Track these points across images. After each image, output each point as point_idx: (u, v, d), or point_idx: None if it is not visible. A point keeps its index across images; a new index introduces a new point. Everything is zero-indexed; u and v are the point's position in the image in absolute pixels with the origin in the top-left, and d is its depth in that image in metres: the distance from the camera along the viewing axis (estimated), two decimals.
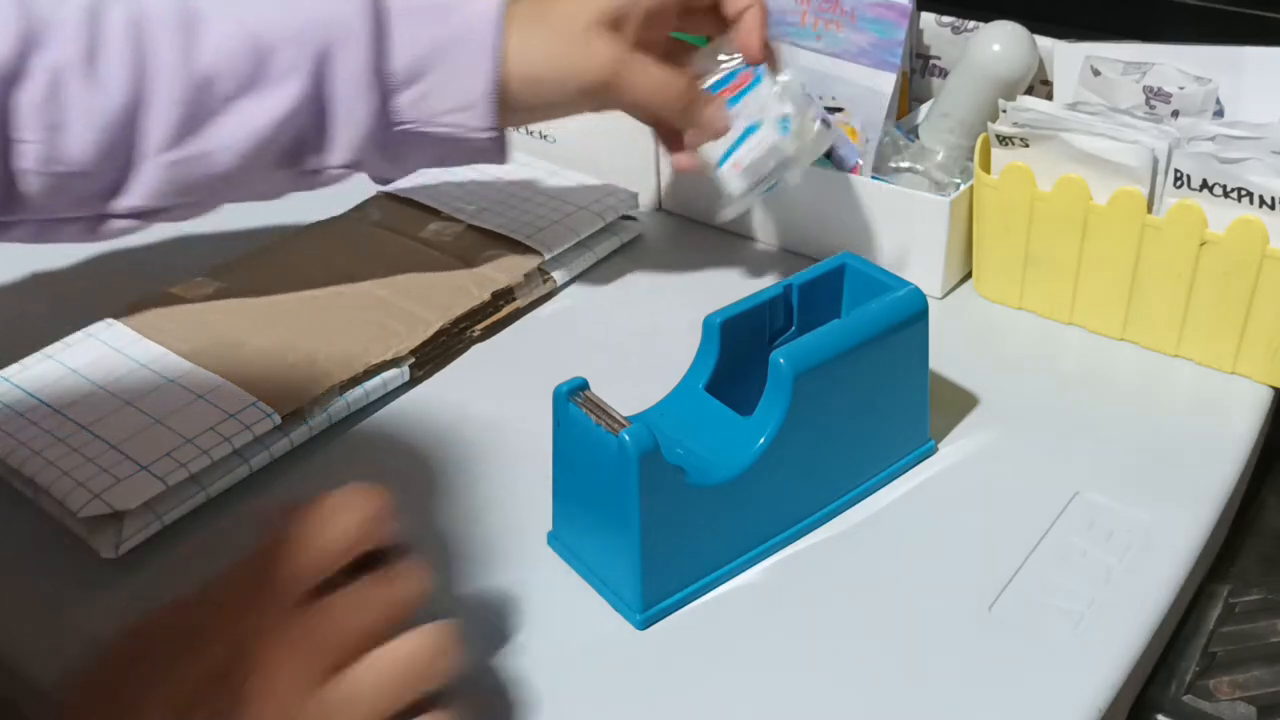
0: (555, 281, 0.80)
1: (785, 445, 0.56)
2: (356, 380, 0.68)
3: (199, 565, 0.60)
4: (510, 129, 0.67)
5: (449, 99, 0.63)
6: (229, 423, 0.63)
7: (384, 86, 0.61)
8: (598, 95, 0.65)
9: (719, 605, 0.57)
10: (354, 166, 0.64)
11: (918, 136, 0.82)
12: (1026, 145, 0.70)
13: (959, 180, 0.80)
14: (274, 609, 0.42)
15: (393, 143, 0.64)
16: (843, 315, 0.64)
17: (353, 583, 0.43)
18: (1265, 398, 0.68)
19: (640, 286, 0.81)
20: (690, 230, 0.87)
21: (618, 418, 0.52)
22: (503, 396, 0.70)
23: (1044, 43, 0.79)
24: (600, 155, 0.89)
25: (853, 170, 0.82)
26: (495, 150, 0.67)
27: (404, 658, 0.43)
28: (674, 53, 0.69)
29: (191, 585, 0.60)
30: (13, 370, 0.69)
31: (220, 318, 0.73)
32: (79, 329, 0.72)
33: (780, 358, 0.55)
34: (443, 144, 0.65)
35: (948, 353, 0.69)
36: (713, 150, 0.67)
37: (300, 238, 0.82)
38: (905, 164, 0.81)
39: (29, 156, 0.57)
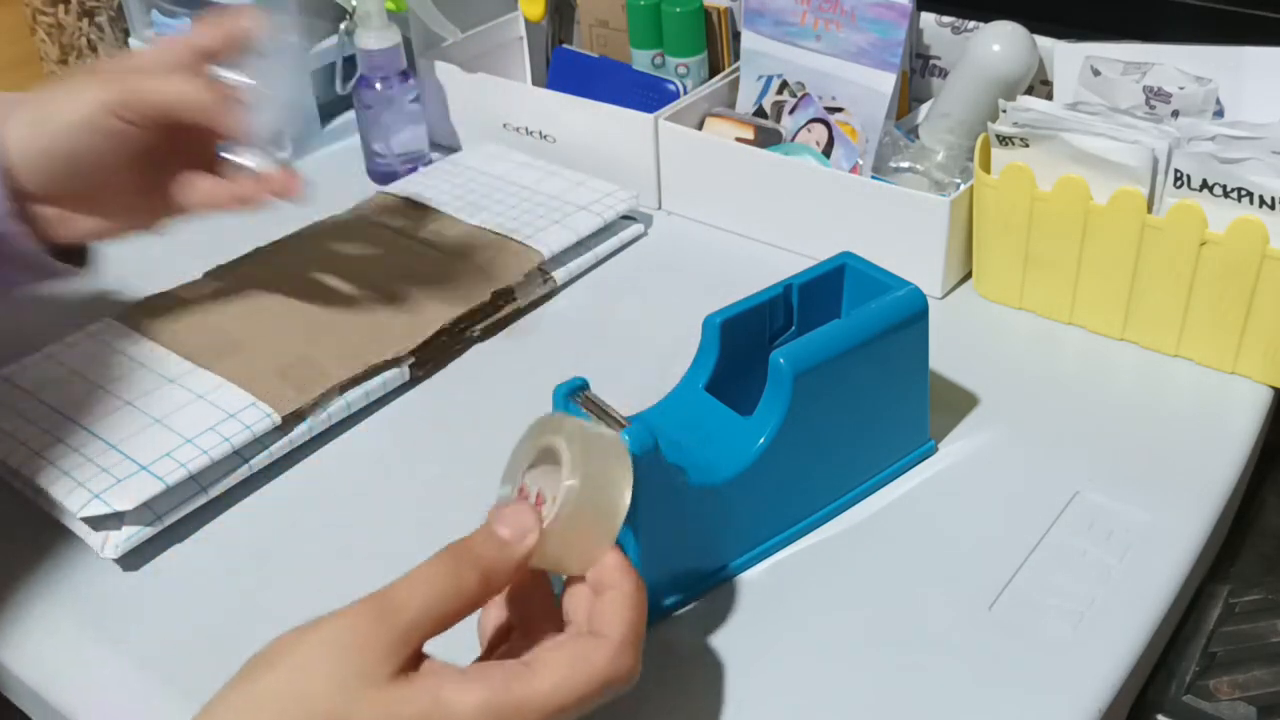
0: (555, 281, 0.80)
1: (785, 445, 0.56)
2: (356, 380, 0.68)
3: (199, 565, 0.61)
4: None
5: None
6: (229, 423, 0.63)
7: None
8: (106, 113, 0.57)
9: (719, 605, 0.57)
10: None
11: (918, 136, 0.82)
12: (1026, 145, 0.70)
13: (959, 180, 0.80)
14: None
15: None
16: (843, 315, 0.64)
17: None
18: (1265, 398, 0.68)
19: (640, 286, 0.81)
20: (690, 230, 0.87)
21: (618, 417, 0.52)
22: (503, 396, 0.70)
23: (1044, 43, 0.79)
24: (600, 155, 0.89)
25: (853, 170, 0.82)
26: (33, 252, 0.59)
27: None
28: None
29: (190, 586, 0.60)
30: (13, 370, 0.69)
31: (220, 318, 0.73)
32: (79, 329, 0.72)
33: (780, 358, 0.55)
34: None
35: (948, 353, 0.69)
36: None
37: (300, 238, 0.82)
38: (905, 164, 0.81)
39: None
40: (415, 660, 0.42)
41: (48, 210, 0.60)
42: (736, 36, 0.91)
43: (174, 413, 0.64)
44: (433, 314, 0.73)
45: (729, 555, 0.58)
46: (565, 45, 0.98)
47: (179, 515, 0.61)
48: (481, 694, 0.40)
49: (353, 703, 0.40)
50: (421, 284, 0.76)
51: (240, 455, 0.63)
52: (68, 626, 0.58)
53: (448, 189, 0.87)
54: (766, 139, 0.86)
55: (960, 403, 0.68)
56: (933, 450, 0.65)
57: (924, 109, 0.85)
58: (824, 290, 0.63)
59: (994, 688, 0.52)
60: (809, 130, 0.85)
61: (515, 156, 0.91)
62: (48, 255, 0.60)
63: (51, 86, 0.58)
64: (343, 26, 0.90)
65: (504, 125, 0.94)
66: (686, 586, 0.56)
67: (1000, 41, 0.77)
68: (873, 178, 0.80)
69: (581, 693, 0.42)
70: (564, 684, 0.42)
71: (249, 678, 0.42)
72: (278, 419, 0.64)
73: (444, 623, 0.43)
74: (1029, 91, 0.80)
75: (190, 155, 0.63)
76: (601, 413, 0.52)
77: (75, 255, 0.63)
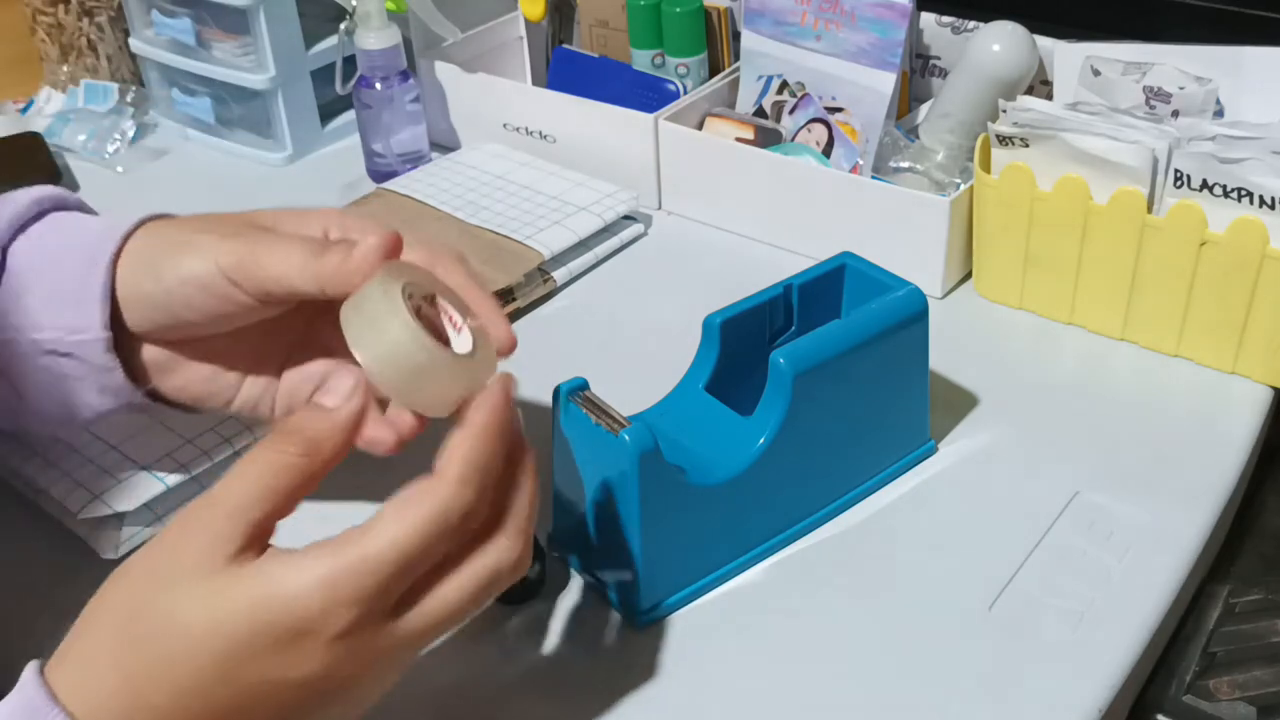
0: (555, 281, 0.80)
1: (785, 445, 0.56)
2: None
3: None
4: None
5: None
6: (229, 423, 0.63)
7: None
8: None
9: (719, 605, 0.57)
10: None
11: (918, 136, 0.82)
12: (1026, 145, 0.70)
13: (959, 180, 0.80)
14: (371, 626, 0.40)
15: None
16: (843, 315, 0.64)
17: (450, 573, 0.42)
18: (1265, 398, 0.68)
19: (640, 286, 0.81)
20: (690, 230, 0.87)
21: (618, 417, 0.52)
22: None
23: (1044, 43, 0.79)
24: (600, 155, 0.89)
25: (853, 170, 0.82)
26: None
27: (482, 585, 0.42)
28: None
29: None
30: None
31: None
32: None
33: (780, 358, 0.55)
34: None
35: (948, 353, 0.69)
36: None
37: None
38: (905, 164, 0.81)
39: None
40: (256, 549, 0.40)
41: (155, 353, 0.55)
42: (736, 36, 0.91)
43: (174, 412, 0.64)
44: None
45: (729, 555, 0.58)
46: (565, 45, 0.98)
47: None
48: (317, 568, 0.39)
49: (178, 597, 0.39)
50: None
51: (240, 455, 0.63)
52: (68, 627, 0.58)
53: (448, 189, 0.87)
54: (766, 139, 0.86)
55: (960, 403, 0.68)
56: (933, 450, 0.65)
57: (924, 109, 0.85)
58: (824, 290, 0.63)
59: (994, 687, 0.52)
60: (809, 130, 0.85)
61: (515, 156, 0.91)
62: (139, 391, 0.55)
63: (196, 223, 0.53)
64: (343, 26, 0.90)
65: (504, 125, 0.94)
66: (686, 586, 0.56)
67: (1000, 41, 0.77)
68: (873, 178, 0.80)
69: (423, 534, 0.40)
70: (400, 532, 0.39)
71: (84, 618, 0.41)
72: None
73: (275, 499, 0.41)
74: (1029, 91, 0.79)
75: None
76: (601, 413, 0.52)
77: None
